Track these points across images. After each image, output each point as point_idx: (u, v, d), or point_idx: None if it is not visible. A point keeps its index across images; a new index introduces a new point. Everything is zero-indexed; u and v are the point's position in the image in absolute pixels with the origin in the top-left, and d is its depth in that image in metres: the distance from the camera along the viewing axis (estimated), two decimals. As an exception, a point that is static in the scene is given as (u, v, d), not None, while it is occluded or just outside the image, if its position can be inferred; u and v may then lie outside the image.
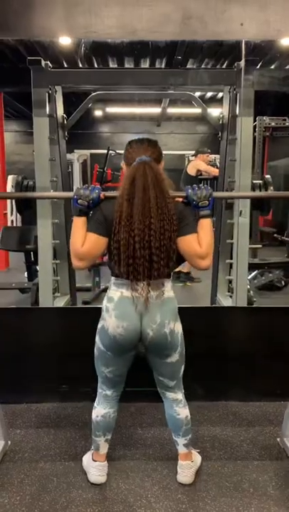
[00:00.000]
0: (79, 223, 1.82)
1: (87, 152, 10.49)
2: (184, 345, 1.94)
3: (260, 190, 3.83)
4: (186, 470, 2.02)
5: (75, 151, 10.14)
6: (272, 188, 3.88)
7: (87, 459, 2.11)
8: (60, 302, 3.77)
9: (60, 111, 3.68)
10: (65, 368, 2.74)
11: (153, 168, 1.77)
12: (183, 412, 1.99)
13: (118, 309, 1.82)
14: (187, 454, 2.03)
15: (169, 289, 1.85)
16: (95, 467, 2.03)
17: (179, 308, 1.92)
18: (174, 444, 2.06)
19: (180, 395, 2.00)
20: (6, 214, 7.87)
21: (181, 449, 2.03)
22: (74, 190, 1.88)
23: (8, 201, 8.71)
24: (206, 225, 1.84)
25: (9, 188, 9.05)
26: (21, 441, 2.34)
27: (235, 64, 3.33)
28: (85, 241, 1.79)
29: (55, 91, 3.52)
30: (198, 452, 2.18)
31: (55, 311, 3.17)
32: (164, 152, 1.91)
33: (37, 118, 3.28)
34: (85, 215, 1.84)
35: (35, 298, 3.85)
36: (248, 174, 3.36)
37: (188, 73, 3.54)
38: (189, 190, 1.85)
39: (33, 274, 4.97)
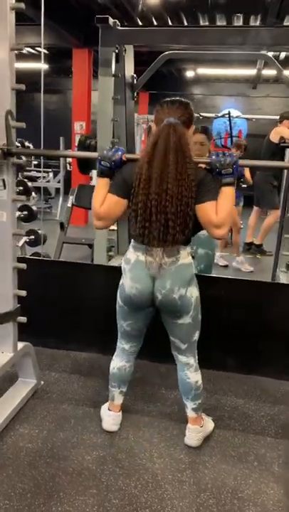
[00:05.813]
0: (101, 183, 1.90)
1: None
2: (199, 310, 1.95)
3: None
4: (192, 434, 2.06)
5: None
6: None
7: (104, 407, 2.24)
8: (117, 262, 3.89)
9: (129, 71, 3.67)
10: (107, 322, 2.87)
11: (177, 130, 1.75)
12: (193, 376, 2.01)
13: (133, 272, 1.89)
14: (196, 418, 2.07)
15: (184, 255, 1.85)
16: (109, 416, 2.16)
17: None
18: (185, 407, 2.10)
19: (192, 360, 2.02)
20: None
21: (190, 413, 2.07)
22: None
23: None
24: (227, 193, 1.79)
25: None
26: (53, 383, 2.55)
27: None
28: (105, 201, 1.86)
29: (125, 50, 3.51)
30: (212, 419, 2.21)
31: (104, 269, 3.29)
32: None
33: (102, 77, 3.31)
34: (107, 176, 1.89)
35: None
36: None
37: (263, 31, 3.30)
38: (213, 157, 1.80)
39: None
